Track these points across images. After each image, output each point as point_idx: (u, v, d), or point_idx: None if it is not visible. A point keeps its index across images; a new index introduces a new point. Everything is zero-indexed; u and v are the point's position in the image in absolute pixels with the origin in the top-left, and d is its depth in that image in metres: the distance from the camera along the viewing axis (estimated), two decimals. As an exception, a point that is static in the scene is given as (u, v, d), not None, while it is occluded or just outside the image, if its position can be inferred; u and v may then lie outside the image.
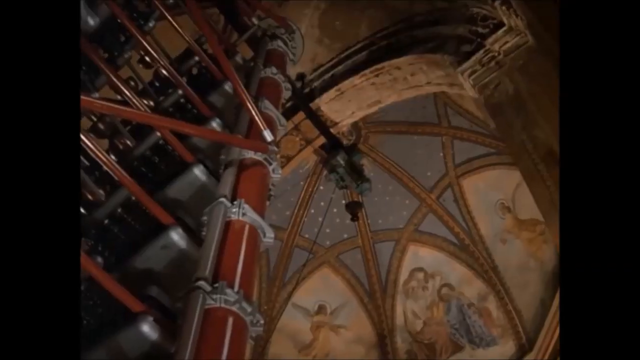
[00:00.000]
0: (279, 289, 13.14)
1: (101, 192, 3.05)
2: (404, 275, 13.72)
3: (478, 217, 13.17)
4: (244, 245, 2.86)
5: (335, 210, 12.26)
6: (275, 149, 3.59)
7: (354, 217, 10.47)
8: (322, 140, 9.52)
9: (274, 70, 4.54)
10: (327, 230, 12.96)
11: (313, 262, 13.26)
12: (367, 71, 9.43)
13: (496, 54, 7.64)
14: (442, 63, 8.56)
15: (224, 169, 3.28)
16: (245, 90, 3.76)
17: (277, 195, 10.62)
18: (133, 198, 3.05)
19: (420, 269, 13.70)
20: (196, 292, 2.36)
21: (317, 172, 12.87)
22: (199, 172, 3.31)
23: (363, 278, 13.76)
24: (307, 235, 13.04)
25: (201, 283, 2.40)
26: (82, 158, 3.23)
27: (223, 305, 2.42)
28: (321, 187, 12.90)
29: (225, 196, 2.95)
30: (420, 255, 13.68)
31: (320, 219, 11.72)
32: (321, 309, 13.63)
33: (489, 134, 12.05)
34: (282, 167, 9.91)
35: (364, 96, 9.78)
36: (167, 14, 4.19)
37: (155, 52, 4.06)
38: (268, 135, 3.56)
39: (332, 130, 9.73)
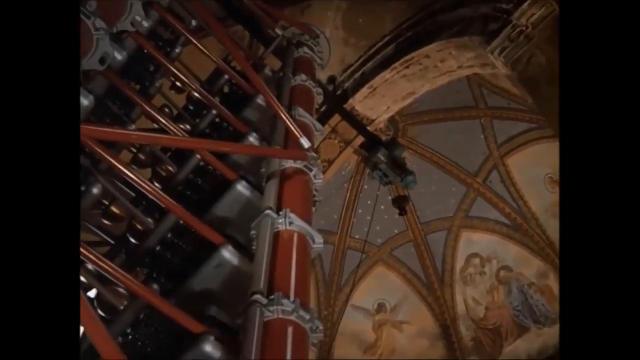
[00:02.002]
0: (336, 293, 13.16)
1: (150, 220, 3.11)
2: (460, 263, 13.58)
3: (528, 194, 12.98)
4: (294, 254, 2.88)
5: (382, 207, 12.21)
6: (315, 155, 3.61)
7: (402, 212, 10.42)
8: (361, 139, 9.52)
9: (304, 77, 4.56)
10: (377, 229, 12.93)
11: (367, 262, 13.25)
12: (397, 64, 9.41)
13: (524, 28, 7.54)
14: (470, 45, 8.49)
15: (267, 181, 3.32)
16: (277, 102, 3.80)
17: (323, 200, 10.65)
18: (182, 222, 3.11)
19: (476, 255, 13.54)
20: (254, 307, 2.39)
21: (360, 172, 12.86)
22: (242, 188, 3.35)
23: (419, 271, 13.68)
24: (357, 236, 13.03)
25: (257, 297, 2.43)
26: (127, 190, 3.31)
27: (281, 316, 2.44)
28: (366, 187, 12.86)
29: (270, 208, 2.98)
30: (474, 241, 13.53)
31: (369, 218, 11.68)
32: (381, 308, 13.60)
33: (528, 109, 11.86)
34: (325, 171, 10.03)
35: (397, 90, 9.76)
36: (192, 39, 4.26)
37: (185, 76, 4.13)
38: (305, 143, 3.58)
39: (369, 128, 9.73)
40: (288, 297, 2.53)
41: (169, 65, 4.02)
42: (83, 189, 2.80)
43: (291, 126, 3.63)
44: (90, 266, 2.58)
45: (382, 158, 8.76)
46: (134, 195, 3.37)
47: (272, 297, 2.48)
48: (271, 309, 2.44)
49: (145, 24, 3.72)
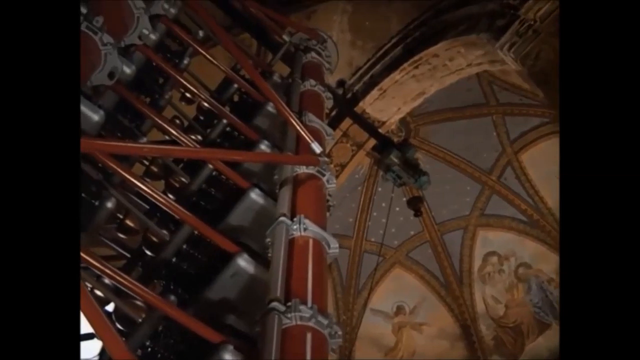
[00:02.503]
0: (354, 297, 13.15)
1: (165, 232, 3.12)
2: (477, 262, 13.53)
3: (543, 190, 12.91)
4: (310, 260, 2.87)
5: (397, 209, 12.19)
6: (326, 159, 3.60)
7: (417, 213, 10.39)
8: (372, 142, 9.51)
9: (312, 82, 4.56)
10: (393, 230, 12.91)
11: (384, 264, 13.23)
12: (405, 65, 9.42)
13: (532, 22, 7.53)
14: (478, 42, 8.48)
15: (279, 188, 3.31)
16: (287, 108, 3.80)
17: (337, 204, 10.63)
18: (196, 232, 3.11)
19: (493, 253, 13.49)
20: (271, 314, 2.38)
21: (373, 175, 12.85)
22: (255, 195, 3.35)
23: (437, 272, 13.64)
24: (373, 239, 13.02)
25: (275, 304, 2.42)
26: (141, 202, 3.32)
27: (299, 322, 2.43)
28: (379, 189, 12.86)
29: (284, 215, 2.97)
30: (491, 239, 13.47)
31: (384, 221, 11.66)
32: (400, 310, 13.57)
33: (540, 103, 11.82)
34: (337, 175, 10.04)
35: (406, 90, 9.76)
36: (199, 49, 4.27)
37: (194, 87, 4.14)
38: (316, 148, 3.58)
39: (380, 130, 9.72)
40: (305, 303, 2.52)
41: (178, 77, 4.03)
42: (97, 203, 2.81)
43: (302, 132, 3.63)
44: (106, 280, 2.59)
45: (395, 159, 8.73)
46: (147, 207, 3.37)
47: (289, 303, 2.47)
48: (289, 315, 2.43)
49: (153, 37, 3.74)
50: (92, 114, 2.80)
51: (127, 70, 3.30)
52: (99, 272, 2.49)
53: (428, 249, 13.69)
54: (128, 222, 3.06)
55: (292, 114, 3.75)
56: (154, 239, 3.13)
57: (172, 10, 4.06)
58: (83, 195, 2.78)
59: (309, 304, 2.53)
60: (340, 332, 2.57)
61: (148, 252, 3.18)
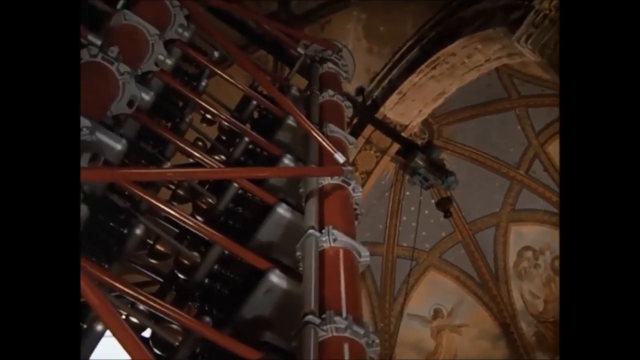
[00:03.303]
0: (390, 303, 13.07)
1: (195, 254, 3.13)
2: (512, 258, 13.36)
3: (572, 179, 12.72)
4: (342, 271, 2.87)
5: (426, 211, 12.09)
6: (350, 168, 3.60)
7: (447, 214, 10.33)
8: (396, 147, 9.49)
9: (331, 92, 4.56)
10: (424, 234, 12.82)
11: (418, 268, 13.13)
12: (423, 66, 9.40)
13: (547, 12, 7.44)
14: (495, 37, 8.43)
15: (306, 200, 3.32)
16: (307, 120, 3.81)
17: (366, 212, 10.59)
18: (227, 252, 3.13)
19: (528, 248, 13.31)
20: (307, 328, 2.38)
21: (399, 179, 12.79)
22: (282, 210, 3.36)
23: (472, 272, 13.49)
24: (405, 244, 12.93)
25: (310, 317, 2.43)
26: (170, 226, 3.35)
27: (335, 334, 2.43)
28: (407, 193, 12.79)
29: (313, 227, 2.98)
30: (524, 234, 13.30)
31: (414, 225, 11.60)
32: (437, 313, 13.46)
33: (562, 93, 11.67)
34: (364, 182, 10.02)
35: (426, 92, 9.73)
36: (216, 70, 4.31)
37: (214, 108, 4.17)
38: (340, 158, 3.58)
39: (403, 134, 9.70)
40: (340, 314, 2.51)
41: (197, 99, 4.06)
42: (126, 231, 2.84)
43: (324, 143, 3.63)
44: (141, 306, 2.62)
45: (420, 162, 8.71)
46: (177, 231, 3.40)
47: (324, 315, 2.47)
48: (324, 327, 2.43)
49: (169, 62, 3.77)
50: (114, 144, 2.84)
51: (146, 97, 3.33)
52: (133, 299, 2.52)
53: (461, 249, 13.56)
54: (158, 247, 3.09)
55: (312, 126, 3.76)
56: (186, 261, 3.15)
57: (186, 34, 4.10)
58: (112, 224, 2.81)
59: (344, 314, 2.53)
60: (377, 341, 2.56)
61: (180, 276, 3.20)
